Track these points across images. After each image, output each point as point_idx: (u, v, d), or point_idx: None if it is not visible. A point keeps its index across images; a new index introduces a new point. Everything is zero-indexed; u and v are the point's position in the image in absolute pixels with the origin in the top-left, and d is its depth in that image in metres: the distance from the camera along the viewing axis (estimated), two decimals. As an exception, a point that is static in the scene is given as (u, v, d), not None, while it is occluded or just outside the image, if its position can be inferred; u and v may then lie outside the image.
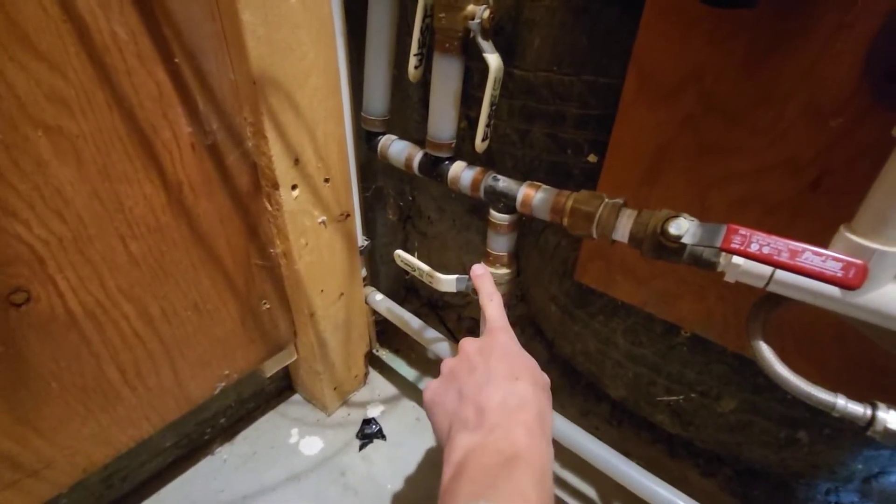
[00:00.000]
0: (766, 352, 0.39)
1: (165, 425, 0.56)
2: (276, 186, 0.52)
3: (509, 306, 0.90)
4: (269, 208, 0.55)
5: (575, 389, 0.82)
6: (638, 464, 0.51)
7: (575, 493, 0.66)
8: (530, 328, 0.90)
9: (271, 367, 0.67)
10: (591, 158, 0.58)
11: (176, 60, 0.42)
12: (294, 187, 0.54)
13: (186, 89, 0.44)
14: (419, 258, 0.96)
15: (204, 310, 0.54)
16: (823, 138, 0.39)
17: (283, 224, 0.55)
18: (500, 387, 0.29)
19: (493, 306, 0.41)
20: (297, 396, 0.77)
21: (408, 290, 0.98)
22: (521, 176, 0.68)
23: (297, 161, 0.52)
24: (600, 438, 0.58)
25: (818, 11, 0.36)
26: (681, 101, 0.44)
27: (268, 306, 0.61)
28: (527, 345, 0.89)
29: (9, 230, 0.38)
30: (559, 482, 0.67)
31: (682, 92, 0.44)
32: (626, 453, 0.72)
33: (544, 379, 0.34)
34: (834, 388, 0.37)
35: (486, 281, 0.44)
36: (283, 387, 0.78)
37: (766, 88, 0.40)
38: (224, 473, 0.65)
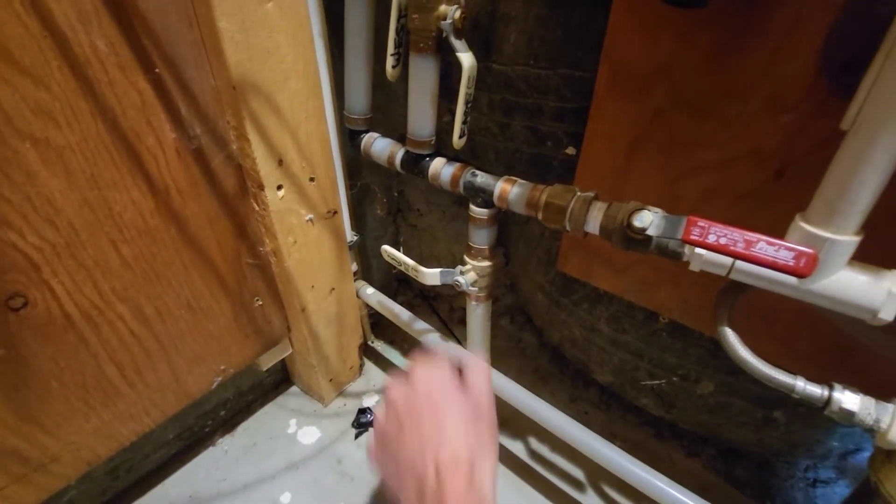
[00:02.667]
0: (731, 337, 0.40)
1: (166, 419, 0.58)
2: (261, 187, 0.53)
3: (496, 298, 0.92)
4: (257, 208, 0.56)
5: (564, 375, 0.84)
6: (625, 446, 0.53)
7: (564, 475, 0.68)
8: (520, 316, 0.92)
9: (267, 361, 0.69)
10: (570, 151, 0.59)
11: (157, 69, 0.43)
12: (279, 187, 0.55)
13: (168, 96, 0.45)
14: (410, 250, 0.98)
15: (197, 308, 0.56)
16: (785, 130, 0.40)
17: (270, 223, 0.57)
18: (431, 453, 0.29)
19: (422, 353, 0.38)
20: (294, 388, 0.80)
21: (400, 282, 0.99)
22: (504, 168, 0.69)
23: (280, 162, 0.54)
24: (589, 422, 0.60)
25: (772, 9, 0.36)
26: (651, 94, 0.46)
27: (260, 303, 0.63)
28: (517, 333, 0.91)
29: (3, 239, 0.40)
30: (549, 465, 0.69)
31: (651, 86, 0.45)
32: (614, 436, 0.74)
33: (471, 408, 0.32)
34: (803, 368, 0.39)
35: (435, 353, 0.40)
36: (281, 379, 0.80)
37: (729, 82, 0.41)
38: (225, 463, 0.68)
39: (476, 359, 0.36)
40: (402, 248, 0.94)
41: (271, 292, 0.64)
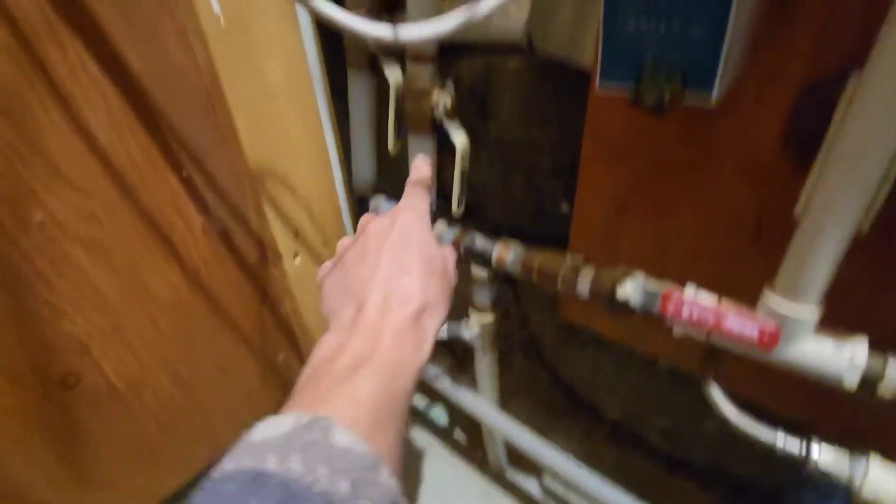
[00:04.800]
0: (717, 394, 0.43)
1: (202, 469, 0.63)
2: (279, 256, 0.59)
3: (508, 334, 0.95)
4: (276, 274, 0.62)
5: (578, 411, 0.86)
6: (637, 481, 0.55)
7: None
8: (533, 352, 0.95)
9: (291, 409, 0.74)
10: (564, 208, 0.62)
11: (184, 167, 0.49)
12: (296, 255, 0.60)
13: (195, 187, 0.51)
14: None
15: (227, 368, 0.62)
16: (758, 197, 0.42)
17: (289, 286, 0.62)
18: (385, 281, 0.27)
19: (412, 188, 0.35)
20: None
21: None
22: (507, 218, 0.73)
23: (296, 233, 0.59)
24: (603, 457, 0.62)
25: (737, 86, 0.39)
26: (631, 162, 0.49)
27: (283, 357, 0.68)
28: (530, 368, 0.94)
29: (59, 326, 0.45)
30: (563, 502, 0.71)
31: (631, 155, 0.48)
32: (627, 471, 0.76)
33: (444, 262, 0.31)
34: (796, 406, 0.40)
35: (421, 167, 0.38)
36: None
37: (702, 152, 0.44)
38: None
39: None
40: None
41: (292, 346, 0.69)
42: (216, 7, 0.44)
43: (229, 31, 0.45)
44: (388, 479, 0.19)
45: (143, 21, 0.41)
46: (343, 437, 0.19)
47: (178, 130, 0.48)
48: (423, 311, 0.27)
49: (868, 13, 0.32)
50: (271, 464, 0.17)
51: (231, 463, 0.18)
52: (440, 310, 0.28)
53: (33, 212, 0.41)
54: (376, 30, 0.30)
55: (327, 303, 0.29)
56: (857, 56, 0.29)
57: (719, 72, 0.27)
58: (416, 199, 0.33)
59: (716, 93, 0.27)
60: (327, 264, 0.33)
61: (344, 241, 0.32)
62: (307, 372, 0.24)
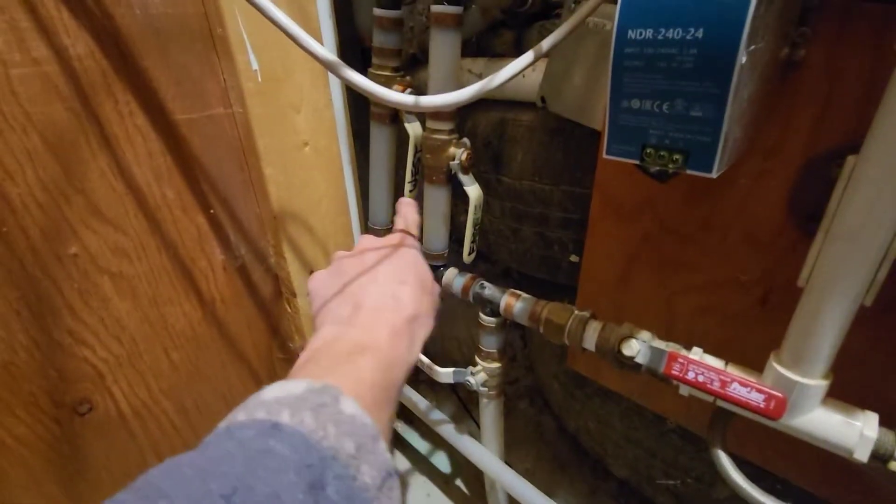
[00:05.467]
0: (725, 461, 0.42)
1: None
2: (294, 294, 0.60)
3: (514, 380, 0.94)
4: (289, 310, 0.63)
5: (583, 465, 0.84)
6: None
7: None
8: (539, 399, 0.94)
9: (292, 447, 0.74)
10: (573, 258, 0.63)
11: (212, 208, 0.52)
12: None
13: (220, 226, 0.54)
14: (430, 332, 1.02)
15: (231, 400, 0.62)
16: (764, 263, 0.43)
17: (300, 324, 0.63)
18: (382, 287, 0.29)
19: (406, 220, 0.39)
20: (317, 470, 0.83)
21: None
22: (517, 265, 0.74)
23: (312, 272, 0.61)
24: None
25: (741, 159, 0.41)
26: (639, 221, 0.50)
27: (288, 394, 0.68)
28: (536, 417, 0.92)
29: (79, 355, 0.47)
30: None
31: (639, 214, 0.50)
32: (632, 534, 0.73)
33: (434, 287, 0.34)
34: (810, 482, 0.39)
35: (409, 209, 0.42)
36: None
37: (708, 217, 0.45)
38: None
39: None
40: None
41: (299, 383, 0.69)
42: (254, 64, 0.48)
43: (265, 86, 0.49)
44: (385, 451, 0.21)
45: (189, 77, 0.45)
46: (349, 405, 0.20)
47: (209, 175, 0.51)
48: (416, 319, 0.29)
49: (864, 96, 0.34)
50: (285, 417, 0.18)
51: (243, 415, 0.19)
52: (429, 322, 0.31)
53: (69, 245, 0.44)
54: (400, 98, 0.32)
55: (320, 300, 0.30)
56: (857, 133, 0.31)
57: (719, 150, 0.28)
58: (412, 229, 0.38)
59: (716, 169, 0.29)
60: (321, 272, 0.35)
61: (340, 253, 0.34)
62: (305, 355, 0.25)
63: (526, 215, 0.67)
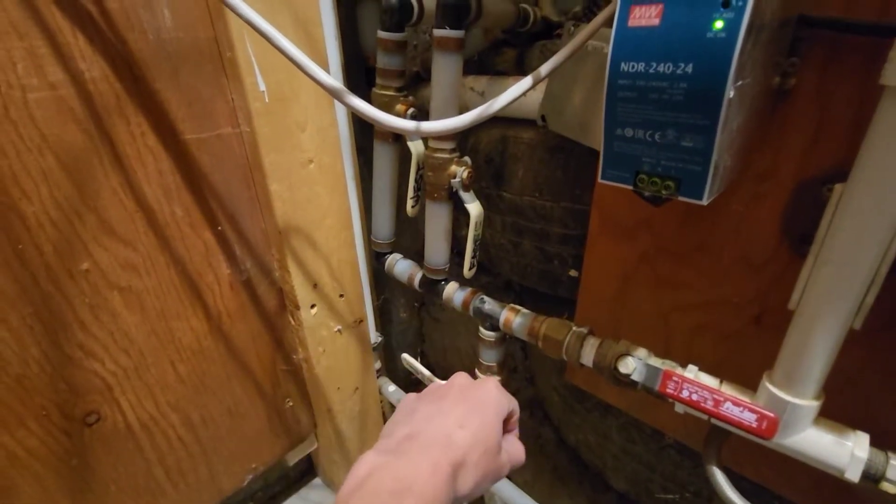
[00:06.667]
0: (719, 477, 0.42)
1: (202, 517, 0.63)
2: (297, 307, 0.61)
3: (516, 391, 0.94)
4: (293, 323, 0.64)
5: (583, 477, 0.84)
6: None
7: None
8: (539, 412, 0.94)
9: (294, 457, 0.74)
10: (573, 273, 0.64)
11: (219, 225, 0.53)
12: (313, 306, 0.63)
13: (227, 242, 0.55)
14: (433, 343, 1.03)
15: (236, 413, 0.63)
16: (758, 284, 0.44)
17: (303, 336, 0.64)
18: (441, 425, 0.30)
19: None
20: (317, 480, 0.84)
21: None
22: (518, 278, 0.75)
23: (315, 286, 0.62)
24: None
25: (734, 184, 0.42)
26: (636, 240, 0.51)
27: (291, 404, 0.69)
28: (536, 428, 0.93)
29: (88, 367, 0.48)
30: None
31: (636, 233, 0.51)
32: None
33: (495, 444, 0.33)
34: (804, 500, 0.40)
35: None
36: (306, 470, 0.85)
37: (703, 239, 0.46)
38: (251, 558, 0.71)
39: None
40: (425, 340, 1.00)
41: (301, 394, 0.70)
42: (262, 85, 0.49)
43: (272, 105, 0.50)
44: None
45: (199, 98, 0.47)
46: None
47: (217, 192, 0.52)
48: (462, 466, 0.29)
49: (853, 123, 0.35)
50: None
51: None
52: (476, 476, 0.30)
53: (81, 261, 0.45)
54: (402, 124, 0.34)
55: (394, 419, 0.33)
56: (847, 158, 0.32)
57: (709, 179, 0.29)
58: (505, 395, 0.38)
59: (706, 197, 0.30)
60: (411, 394, 0.36)
61: (434, 384, 0.36)
62: (351, 485, 0.26)
63: (526, 230, 0.68)
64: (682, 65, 0.28)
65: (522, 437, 0.97)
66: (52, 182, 0.41)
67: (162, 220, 0.49)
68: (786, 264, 0.41)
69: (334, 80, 0.33)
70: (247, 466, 0.67)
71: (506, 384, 0.63)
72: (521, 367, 0.93)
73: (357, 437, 0.77)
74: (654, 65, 0.29)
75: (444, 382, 0.35)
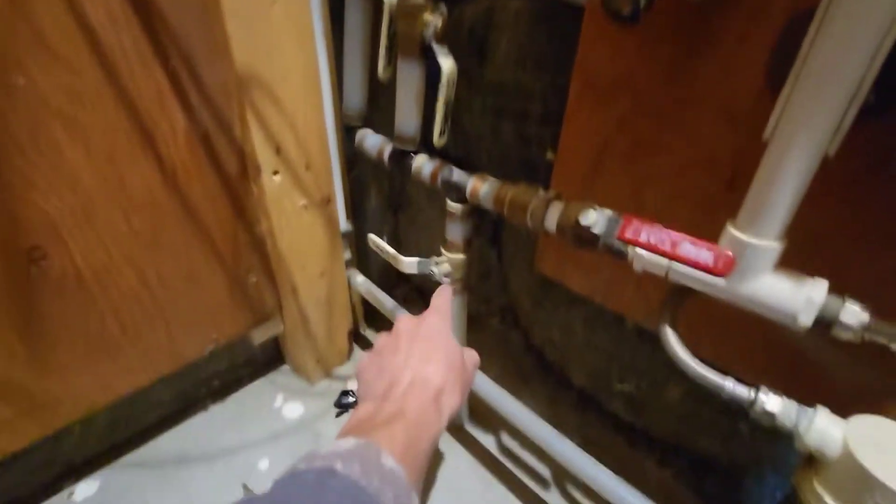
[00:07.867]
0: (671, 335, 0.42)
1: (160, 377, 0.64)
2: (258, 170, 0.59)
3: (488, 298, 0.94)
4: (255, 190, 0.62)
5: (546, 377, 0.86)
6: (597, 451, 0.55)
7: (531, 472, 0.70)
8: (510, 317, 0.95)
9: (259, 336, 0.74)
10: (549, 156, 0.62)
11: (173, 64, 0.49)
12: (276, 172, 0.60)
13: (182, 87, 0.51)
14: (410, 245, 1.02)
15: (196, 279, 0.62)
16: (736, 140, 0.42)
17: (266, 205, 0.62)
18: (412, 368, 0.34)
19: (438, 296, 0.44)
20: (285, 367, 0.85)
21: (399, 276, 1.03)
22: (496, 169, 0.72)
23: (278, 149, 0.59)
24: (565, 425, 0.62)
25: (725, 23, 0.39)
26: (616, 101, 0.48)
27: (254, 279, 0.68)
28: (505, 333, 0.93)
29: (28, 198, 0.46)
30: (518, 461, 0.71)
31: (617, 93, 0.48)
32: (588, 440, 0.75)
33: (459, 361, 0.38)
34: (759, 379, 0.40)
35: (445, 290, 0.46)
36: (273, 357, 0.85)
37: (686, 91, 0.43)
38: (214, 428, 0.73)
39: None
40: (402, 243, 0.99)
41: (265, 270, 0.69)
42: None
43: (228, -76, 0.45)
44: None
45: None
46: (389, 461, 0.25)
47: (170, 25, 0.48)
48: (441, 392, 0.33)
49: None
50: (339, 466, 0.23)
51: (304, 465, 0.24)
52: (456, 394, 0.35)
53: (15, 76, 0.42)
54: None
55: (363, 383, 0.36)
56: None
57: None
58: (442, 303, 0.42)
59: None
60: (364, 355, 0.40)
61: (381, 338, 0.39)
62: (350, 424, 0.31)
63: (507, 111, 0.65)
64: None
65: (491, 342, 0.98)
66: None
67: (108, 48, 0.45)
68: (766, 115, 0.39)
69: None
70: (208, 336, 0.67)
71: (469, 264, 0.61)
72: (494, 272, 0.93)
73: (324, 322, 0.77)
74: None
75: (387, 335, 0.38)
